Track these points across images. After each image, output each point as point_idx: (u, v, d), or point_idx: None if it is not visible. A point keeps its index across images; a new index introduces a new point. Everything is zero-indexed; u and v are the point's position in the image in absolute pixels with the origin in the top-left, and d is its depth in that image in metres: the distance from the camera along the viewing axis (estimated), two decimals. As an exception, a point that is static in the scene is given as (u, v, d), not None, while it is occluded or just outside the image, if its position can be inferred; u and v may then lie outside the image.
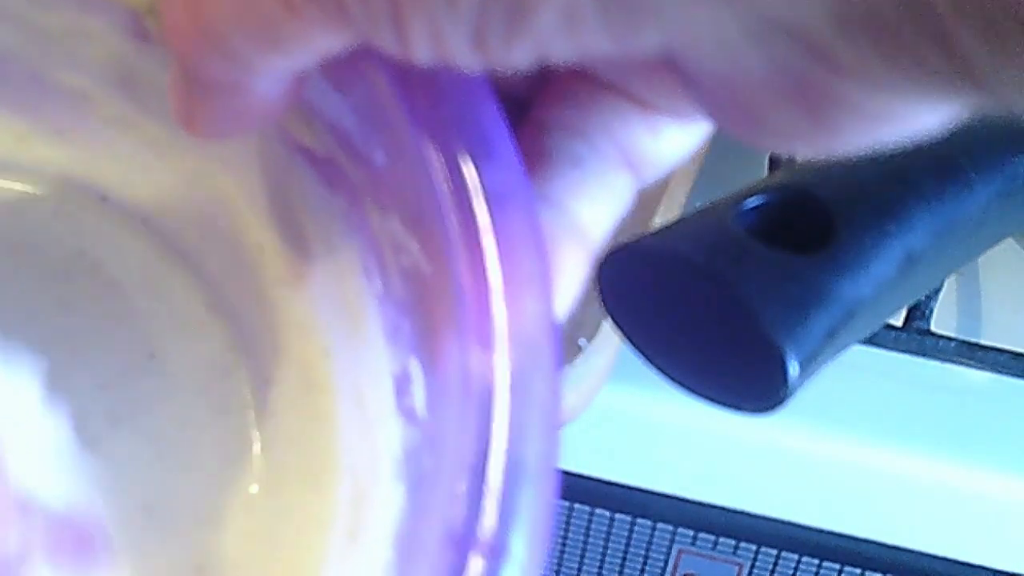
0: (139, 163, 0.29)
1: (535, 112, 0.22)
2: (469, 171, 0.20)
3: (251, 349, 0.28)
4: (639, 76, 0.22)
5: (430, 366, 0.21)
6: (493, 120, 0.20)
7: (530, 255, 0.19)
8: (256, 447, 0.27)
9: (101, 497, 0.26)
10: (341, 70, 0.21)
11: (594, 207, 0.22)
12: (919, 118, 0.18)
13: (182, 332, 0.28)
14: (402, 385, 0.22)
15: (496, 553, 0.17)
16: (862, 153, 0.19)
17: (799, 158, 0.21)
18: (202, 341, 0.28)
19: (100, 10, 0.26)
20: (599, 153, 0.22)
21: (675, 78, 0.20)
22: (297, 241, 0.26)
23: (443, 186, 0.20)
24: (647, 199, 0.41)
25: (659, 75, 0.21)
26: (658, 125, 0.22)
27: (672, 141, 0.22)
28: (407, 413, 0.22)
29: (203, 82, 0.20)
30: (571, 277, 0.21)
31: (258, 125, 0.21)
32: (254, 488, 0.27)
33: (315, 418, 0.26)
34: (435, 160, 0.20)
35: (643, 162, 0.22)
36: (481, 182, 0.19)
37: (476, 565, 0.17)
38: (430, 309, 0.21)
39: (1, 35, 0.27)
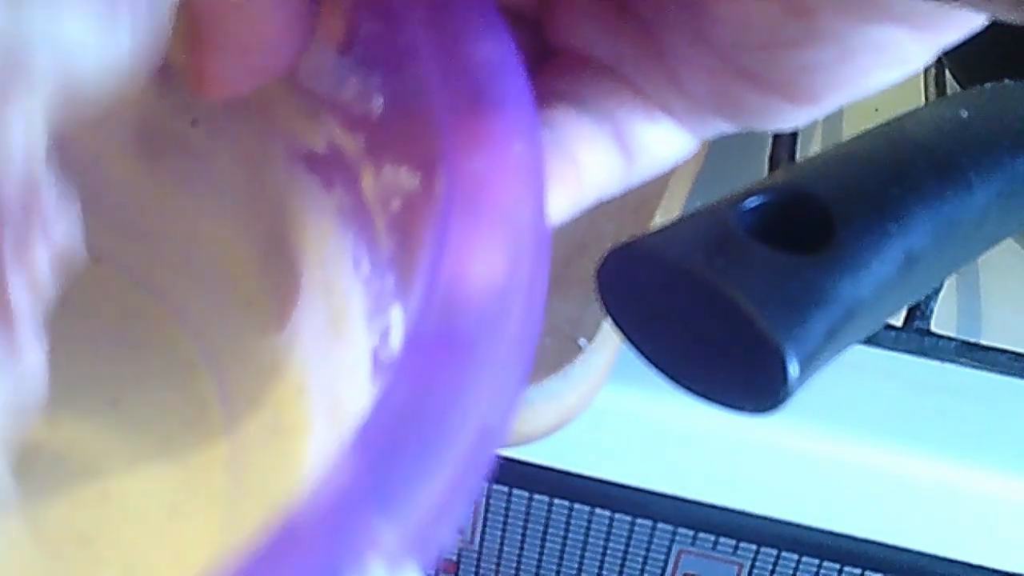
0: (138, 227, 0.29)
1: (535, 85, 0.22)
2: (468, 72, 0.19)
3: (224, 397, 0.28)
4: (636, 64, 0.22)
5: (408, 291, 0.21)
6: (498, 34, 0.20)
7: (526, 164, 0.19)
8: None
9: None
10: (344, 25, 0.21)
11: (592, 153, 0.22)
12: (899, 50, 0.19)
13: (153, 380, 0.28)
14: (379, 350, 0.22)
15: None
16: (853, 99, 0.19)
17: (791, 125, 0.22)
18: (173, 390, 0.28)
19: None
20: (597, 123, 0.22)
21: (664, 67, 0.20)
22: (284, 285, 0.26)
23: (441, 96, 0.19)
24: (647, 199, 0.41)
25: (653, 63, 0.21)
26: (655, 116, 0.22)
27: (666, 138, 0.23)
28: (382, 371, 0.22)
29: (218, 37, 0.20)
30: (558, 205, 0.21)
31: (268, 77, 0.21)
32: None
33: (284, 454, 0.26)
34: (434, 71, 0.20)
35: (636, 149, 0.22)
36: (478, 80, 0.19)
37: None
38: (417, 232, 0.21)
39: None
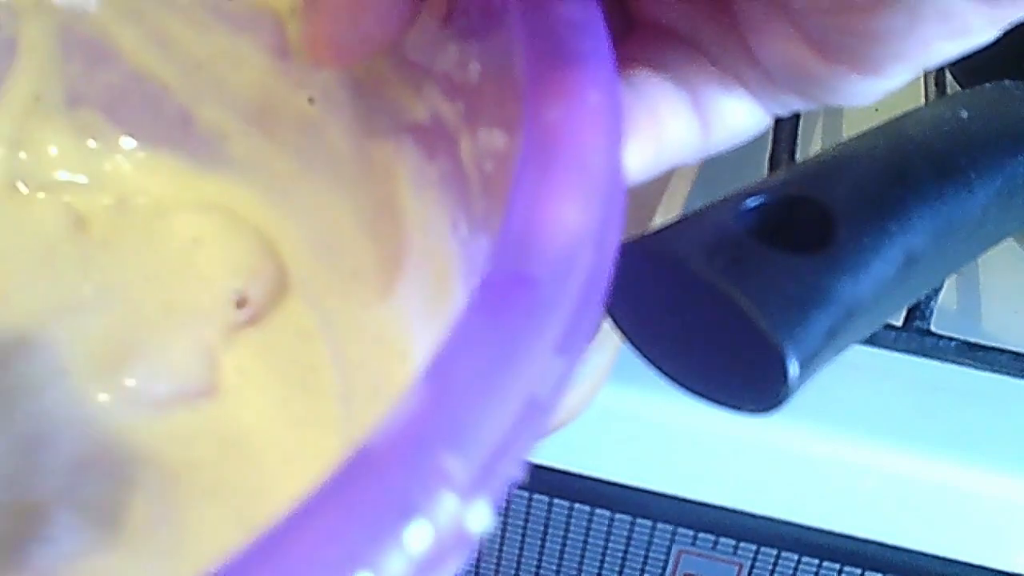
0: (267, 197, 0.31)
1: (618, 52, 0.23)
2: (552, 30, 0.20)
3: (337, 362, 0.29)
4: (712, 35, 0.23)
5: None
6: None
7: (604, 114, 0.19)
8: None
9: None
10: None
11: (671, 114, 0.23)
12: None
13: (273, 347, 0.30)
14: None
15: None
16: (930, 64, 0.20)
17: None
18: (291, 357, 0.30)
19: (247, 27, 0.29)
20: (676, 88, 0.23)
21: (739, 37, 0.21)
22: (390, 255, 0.27)
23: (527, 54, 0.20)
24: (647, 199, 0.41)
25: (729, 34, 0.22)
26: (731, 87, 0.23)
27: (741, 110, 0.24)
28: None
29: (332, 5, 0.22)
30: (637, 160, 0.22)
31: (379, 46, 0.23)
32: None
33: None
34: (522, 32, 0.20)
35: (712, 118, 0.23)
36: (561, 36, 0.20)
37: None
38: (505, 188, 0.21)
39: (160, 67, 0.30)
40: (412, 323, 0.27)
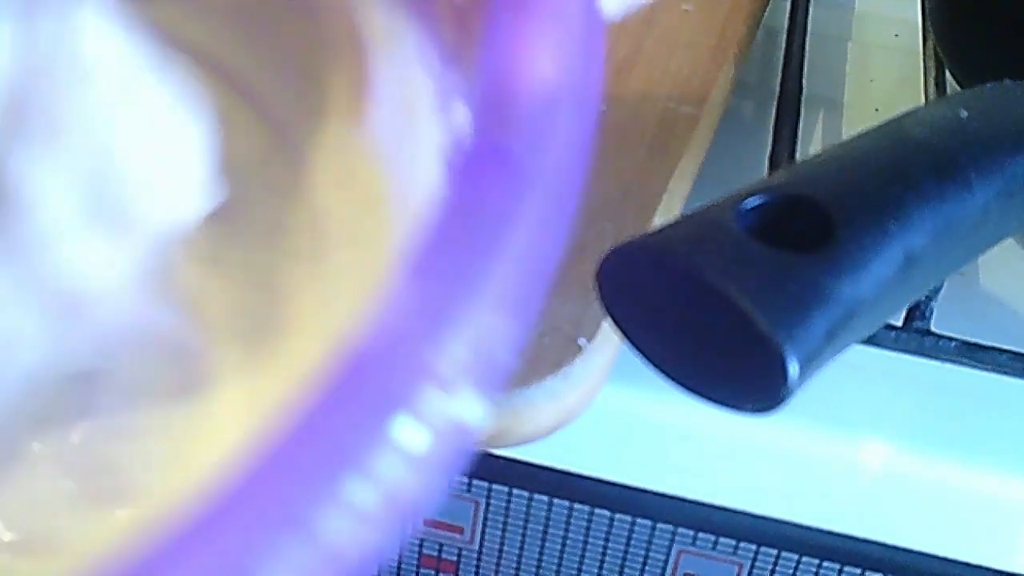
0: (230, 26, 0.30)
1: None
2: None
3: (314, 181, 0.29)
4: None
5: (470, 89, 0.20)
6: None
7: None
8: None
9: None
10: None
11: None
12: None
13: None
14: (447, 145, 0.22)
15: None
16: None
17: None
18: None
19: None
20: None
21: None
22: (358, 78, 0.27)
23: None
24: (647, 199, 0.41)
25: None
26: None
27: None
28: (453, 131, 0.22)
29: None
30: None
31: None
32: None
33: (369, 228, 0.27)
34: None
35: None
36: None
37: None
38: (474, 27, 0.20)
39: None
40: (387, 146, 0.26)
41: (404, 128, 0.25)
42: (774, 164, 0.47)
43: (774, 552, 0.51)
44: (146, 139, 0.26)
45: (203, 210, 0.25)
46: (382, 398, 0.14)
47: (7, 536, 0.24)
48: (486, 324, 0.15)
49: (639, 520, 0.51)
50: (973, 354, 0.44)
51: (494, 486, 0.52)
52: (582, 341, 0.37)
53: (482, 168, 0.16)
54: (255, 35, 0.30)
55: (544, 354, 0.36)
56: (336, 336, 0.26)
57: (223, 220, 0.27)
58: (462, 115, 0.21)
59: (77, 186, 0.25)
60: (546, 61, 0.17)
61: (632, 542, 0.52)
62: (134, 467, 0.25)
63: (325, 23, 0.28)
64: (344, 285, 0.27)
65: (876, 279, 0.25)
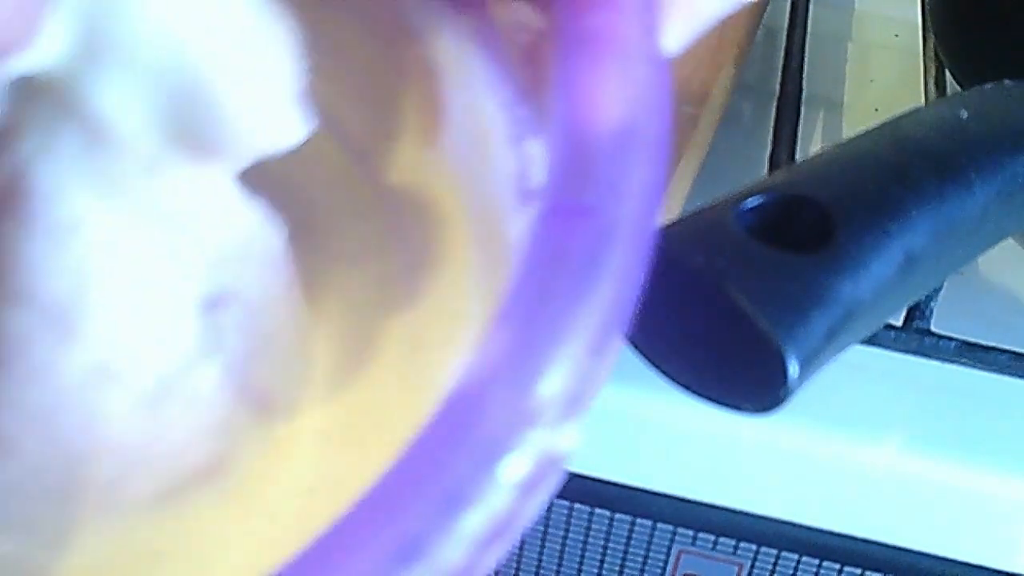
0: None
1: None
2: None
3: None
4: None
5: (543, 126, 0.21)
6: None
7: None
8: None
9: None
10: None
11: None
12: None
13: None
14: (522, 175, 0.23)
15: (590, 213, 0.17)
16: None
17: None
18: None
19: None
20: None
21: None
22: (430, 103, 0.27)
23: None
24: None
25: None
26: None
27: None
28: (526, 196, 0.23)
29: None
30: (674, 33, 0.21)
31: None
32: None
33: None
34: None
35: None
36: None
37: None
38: (544, 66, 0.21)
39: None
40: (458, 174, 0.26)
41: (477, 154, 0.25)
42: (774, 164, 0.47)
43: (774, 552, 0.51)
44: (230, 61, 0.26)
45: (295, 137, 0.25)
46: (492, 435, 0.16)
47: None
48: (577, 365, 0.17)
49: (639, 520, 0.51)
50: (973, 354, 0.44)
51: (494, 486, 0.52)
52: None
53: (566, 217, 0.18)
54: (331, 62, 0.30)
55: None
56: (429, 360, 0.26)
57: (313, 248, 0.28)
58: (536, 150, 0.22)
59: (162, 111, 0.25)
60: (619, 103, 0.18)
61: (632, 542, 0.52)
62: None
63: (395, 47, 0.28)
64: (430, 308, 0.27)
65: (876, 279, 0.25)
